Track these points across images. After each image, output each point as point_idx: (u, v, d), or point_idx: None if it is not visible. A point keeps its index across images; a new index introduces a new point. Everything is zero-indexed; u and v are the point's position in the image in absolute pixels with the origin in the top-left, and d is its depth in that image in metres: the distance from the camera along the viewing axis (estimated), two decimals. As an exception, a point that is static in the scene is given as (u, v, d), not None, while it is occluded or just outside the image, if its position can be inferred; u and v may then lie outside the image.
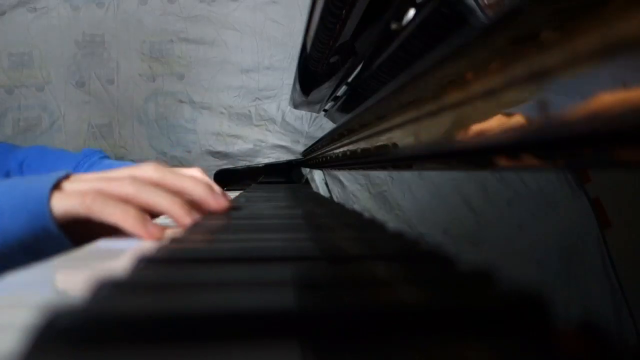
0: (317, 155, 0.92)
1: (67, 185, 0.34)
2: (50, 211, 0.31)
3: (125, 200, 0.32)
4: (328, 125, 1.17)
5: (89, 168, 0.75)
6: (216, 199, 0.38)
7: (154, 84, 1.37)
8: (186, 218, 0.34)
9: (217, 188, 0.70)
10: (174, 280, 0.16)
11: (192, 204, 0.37)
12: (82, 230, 0.33)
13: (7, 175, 0.74)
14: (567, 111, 0.15)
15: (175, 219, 0.34)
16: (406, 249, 0.24)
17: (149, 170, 0.36)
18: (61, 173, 0.34)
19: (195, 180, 0.38)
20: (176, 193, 0.35)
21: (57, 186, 0.33)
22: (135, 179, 0.34)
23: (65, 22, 1.37)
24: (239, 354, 0.10)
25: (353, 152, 0.56)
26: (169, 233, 0.32)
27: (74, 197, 0.32)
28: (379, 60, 0.48)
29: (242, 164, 1.35)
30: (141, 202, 0.33)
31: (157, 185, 0.35)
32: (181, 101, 1.37)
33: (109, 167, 0.71)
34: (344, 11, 0.43)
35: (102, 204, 0.31)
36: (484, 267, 0.16)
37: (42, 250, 0.32)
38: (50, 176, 0.33)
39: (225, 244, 0.26)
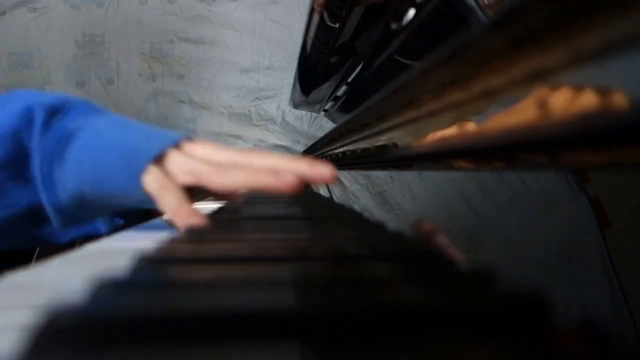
0: (317, 155, 0.92)
1: (173, 156, 0.36)
2: (140, 182, 0.35)
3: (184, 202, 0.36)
4: (328, 125, 1.17)
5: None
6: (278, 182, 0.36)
7: (154, 84, 1.37)
8: (278, 183, 0.35)
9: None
10: (174, 280, 0.16)
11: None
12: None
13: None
14: (567, 111, 0.15)
15: (272, 189, 0.35)
16: (406, 249, 0.23)
17: (258, 157, 0.37)
18: (175, 137, 0.37)
19: (284, 159, 0.38)
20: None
21: (163, 155, 0.36)
22: (239, 165, 0.36)
23: (65, 22, 1.37)
24: (238, 354, 0.10)
25: (353, 152, 0.56)
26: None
27: (158, 184, 0.35)
28: (379, 60, 0.48)
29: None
30: (247, 185, 0.35)
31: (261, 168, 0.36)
32: (181, 101, 1.38)
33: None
34: (344, 11, 0.43)
35: (169, 201, 0.35)
36: (484, 267, 0.16)
37: (128, 203, 0.38)
38: (165, 140, 0.37)
39: (225, 244, 0.26)
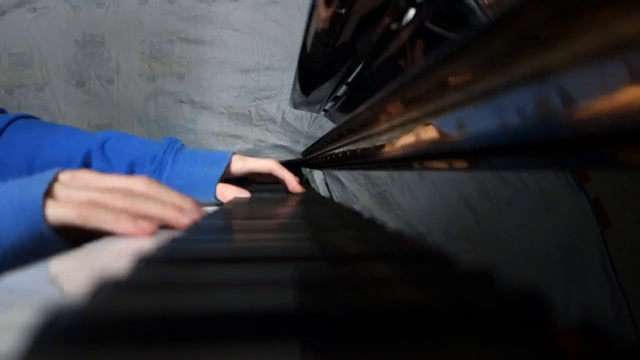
0: (317, 155, 0.92)
1: (59, 191, 0.34)
2: (45, 219, 0.33)
3: (119, 211, 0.34)
4: (328, 125, 1.17)
5: (171, 160, 0.71)
6: (181, 218, 0.36)
7: (154, 84, 1.37)
8: (182, 219, 0.35)
9: (293, 185, 0.74)
10: (174, 280, 0.16)
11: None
12: (77, 232, 0.34)
13: (89, 156, 0.69)
14: (567, 111, 0.15)
15: (171, 223, 0.35)
16: (406, 249, 0.24)
17: (139, 184, 0.37)
18: (50, 175, 0.35)
19: (181, 198, 0.38)
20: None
21: (49, 192, 0.34)
22: (127, 192, 0.36)
23: (65, 22, 1.37)
24: (238, 354, 0.10)
25: (353, 152, 0.56)
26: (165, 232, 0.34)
27: (69, 206, 0.33)
28: (379, 60, 0.47)
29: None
30: (133, 213, 0.34)
31: (148, 197, 0.36)
32: (181, 101, 1.37)
33: (189, 157, 0.70)
34: (344, 11, 0.43)
35: (96, 214, 0.33)
36: (484, 267, 0.16)
37: (42, 252, 0.33)
38: (41, 180, 0.34)
39: (225, 244, 0.26)
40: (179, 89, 1.37)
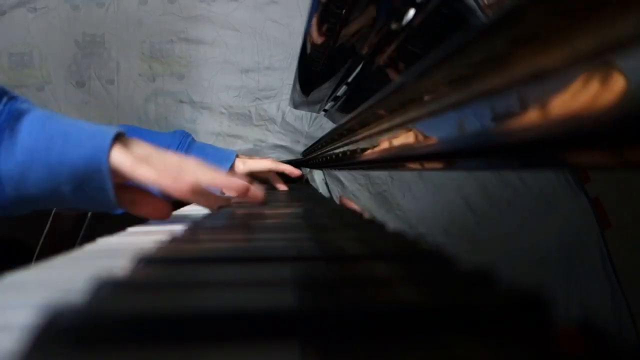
0: (317, 155, 0.92)
1: (128, 142, 0.39)
2: (108, 154, 0.36)
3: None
4: (328, 125, 1.17)
5: (184, 153, 0.82)
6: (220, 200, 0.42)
7: (154, 84, 1.37)
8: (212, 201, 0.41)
9: (292, 170, 0.87)
10: (174, 280, 0.16)
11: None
12: (121, 190, 0.38)
13: None
14: (567, 111, 0.15)
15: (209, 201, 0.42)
16: (406, 249, 0.24)
17: (191, 163, 0.40)
18: (120, 129, 0.39)
19: (231, 179, 0.43)
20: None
21: (120, 138, 0.38)
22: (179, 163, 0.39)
23: (65, 22, 1.37)
24: (239, 354, 0.10)
25: (353, 152, 0.56)
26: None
27: (129, 156, 0.37)
28: (379, 60, 0.47)
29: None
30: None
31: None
32: (181, 101, 1.37)
33: (200, 153, 0.82)
34: (344, 11, 0.43)
35: (145, 166, 0.36)
36: (484, 267, 0.16)
37: (84, 190, 0.37)
38: (114, 129, 0.38)
39: (225, 244, 0.26)
40: (179, 89, 1.37)
